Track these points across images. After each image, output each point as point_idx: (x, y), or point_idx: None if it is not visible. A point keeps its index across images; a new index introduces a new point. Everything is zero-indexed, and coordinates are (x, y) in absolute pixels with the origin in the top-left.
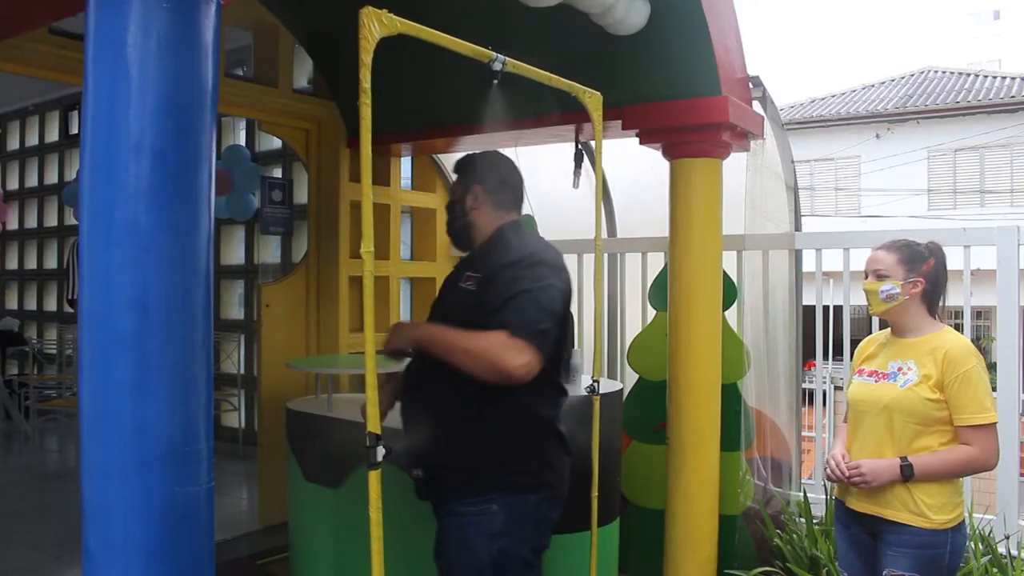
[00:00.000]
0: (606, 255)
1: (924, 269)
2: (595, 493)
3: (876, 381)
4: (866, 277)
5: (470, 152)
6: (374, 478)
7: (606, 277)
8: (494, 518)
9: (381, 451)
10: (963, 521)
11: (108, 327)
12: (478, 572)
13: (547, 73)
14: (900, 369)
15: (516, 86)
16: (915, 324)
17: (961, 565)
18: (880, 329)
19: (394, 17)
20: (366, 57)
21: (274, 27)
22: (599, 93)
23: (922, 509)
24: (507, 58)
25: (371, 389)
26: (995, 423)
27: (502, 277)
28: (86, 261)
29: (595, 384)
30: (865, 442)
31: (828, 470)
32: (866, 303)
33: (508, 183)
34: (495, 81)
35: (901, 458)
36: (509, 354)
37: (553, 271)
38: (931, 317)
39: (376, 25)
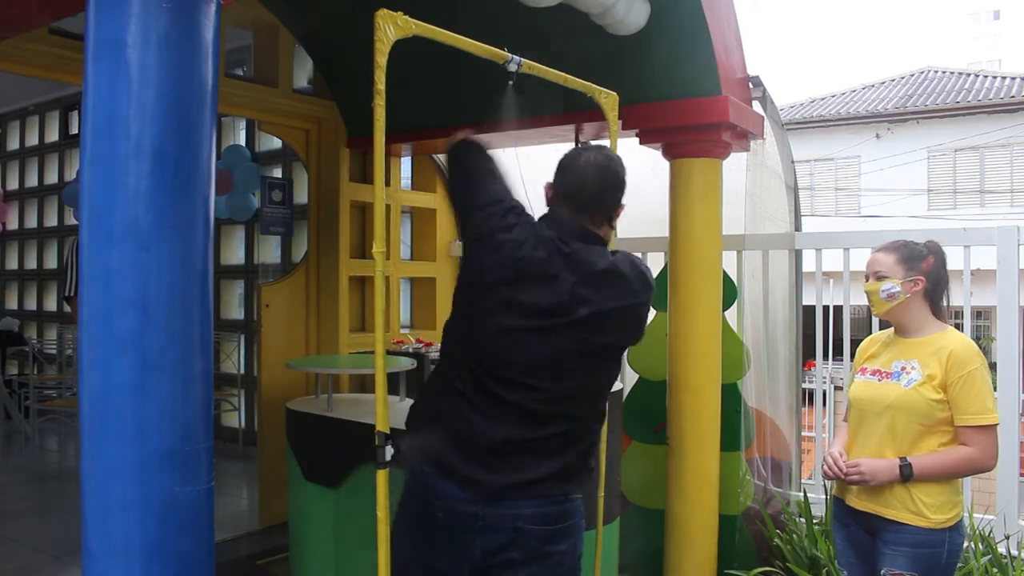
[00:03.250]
0: None
1: (924, 267)
2: (601, 493)
3: (879, 380)
4: (867, 280)
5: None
6: (382, 477)
7: None
8: None
9: (389, 450)
10: (961, 520)
11: (108, 327)
12: None
13: (562, 74)
14: (904, 369)
15: (517, 86)
16: (918, 323)
17: (961, 565)
18: (881, 329)
19: (409, 20)
20: (381, 59)
21: (274, 27)
22: (615, 93)
23: (921, 508)
24: (523, 59)
25: (380, 389)
26: (996, 424)
27: None
28: (86, 261)
29: None
30: (866, 441)
31: (825, 467)
32: (868, 304)
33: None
34: (510, 82)
35: (900, 458)
36: None
37: None
38: (934, 316)
39: (391, 28)
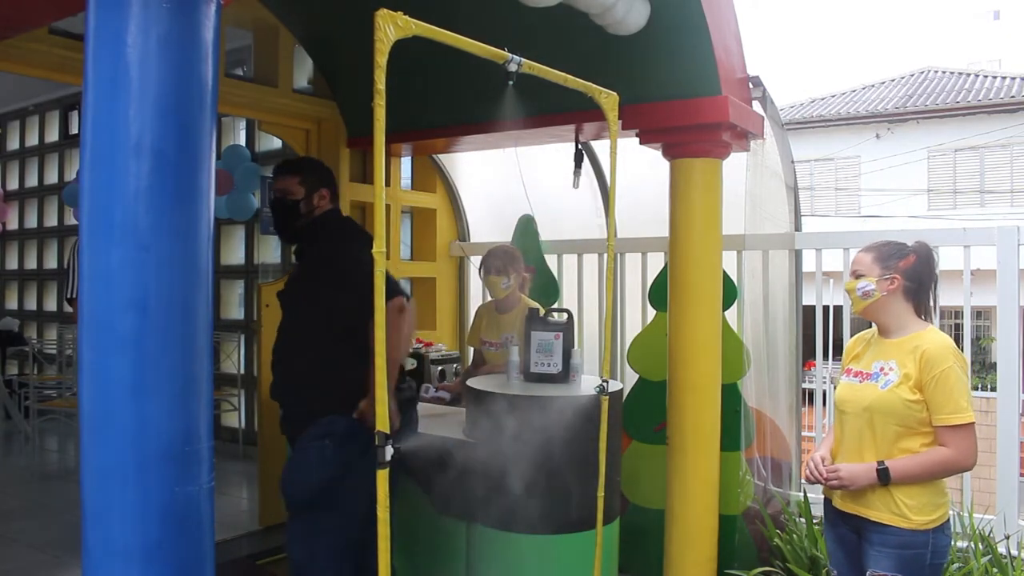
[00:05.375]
0: (604, 254)
1: (901, 266)
2: (601, 493)
3: (860, 382)
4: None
5: (296, 159)
6: (382, 477)
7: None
8: None
9: (389, 450)
10: (946, 521)
11: (108, 327)
12: None
13: (562, 74)
14: (882, 369)
15: (517, 86)
16: (899, 323)
17: (960, 565)
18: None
19: (410, 19)
20: (381, 59)
21: (274, 27)
22: (615, 93)
23: (903, 510)
24: (522, 59)
25: (380, 389)
26: (972, 423)
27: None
28: (86, 261)
29: (604, 384)
30: (848, 443)
31: (807, 472)
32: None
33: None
34: (510, 82)
35: (878, 462)
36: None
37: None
38: (917, 316)
39: (391, 28)
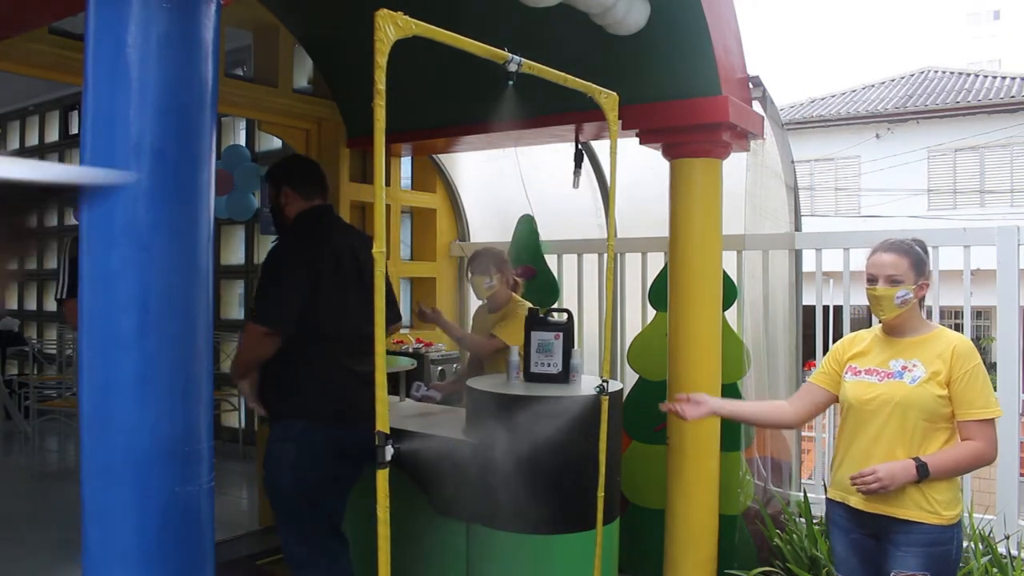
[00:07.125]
0: (604, 254)
1: (927, 271)
2: (601, 493)
3: (880, 380)
4: (874, 281)
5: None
6: (381, 477)
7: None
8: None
9: (389, 450)
10: (962, 516)
11: (108, 327)
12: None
13: (562, 74)
14: (905, 367)
15: (517, 86)
16: (916, 324)
17: (961, 565)
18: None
19: (410, 19)
20: (381, 59)
21: (274, 27)
22: (615, 93)
23: (934, 506)
24: (522, 59)
25: (380, 389)
26: (998, 417)
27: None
28: (86, 261)
29: (604, 384)
30: (873, 443)
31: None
32: (876, 308)
33: (311, 175)
34: (510, 82)
35: (915, 459)
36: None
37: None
38: (922, 315)
39: (391, 28)
